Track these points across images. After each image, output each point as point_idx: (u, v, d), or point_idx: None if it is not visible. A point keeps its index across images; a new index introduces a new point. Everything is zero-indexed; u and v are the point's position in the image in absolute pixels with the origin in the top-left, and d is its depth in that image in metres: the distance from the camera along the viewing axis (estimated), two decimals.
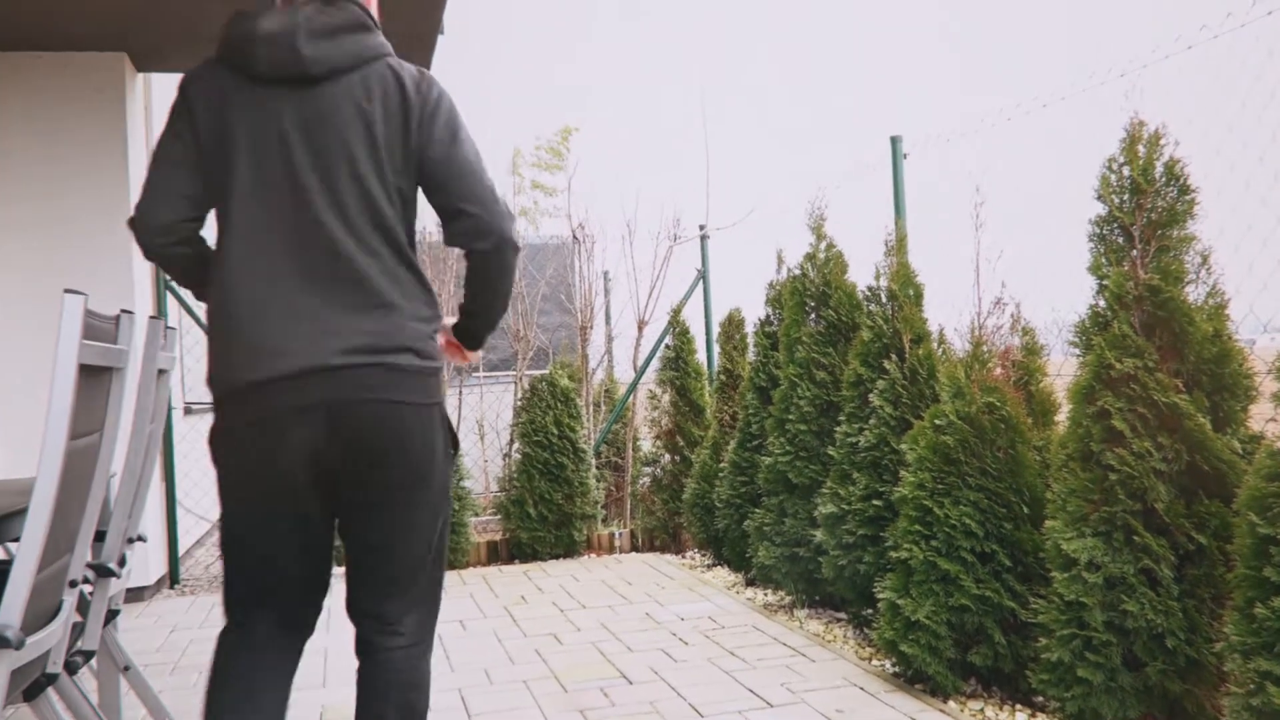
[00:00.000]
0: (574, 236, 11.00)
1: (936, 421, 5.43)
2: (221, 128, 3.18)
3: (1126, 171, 4.63)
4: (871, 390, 6.26)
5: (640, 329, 10.77)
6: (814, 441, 6.97)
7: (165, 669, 6.42)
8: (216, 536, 11.58)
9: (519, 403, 10.08)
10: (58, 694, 3.43)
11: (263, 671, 3.25)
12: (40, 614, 3.06)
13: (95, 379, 3.17)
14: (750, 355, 8.65)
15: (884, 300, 6.44)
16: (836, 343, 6.98)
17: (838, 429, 6.55)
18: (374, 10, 3.48)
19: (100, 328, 3.17)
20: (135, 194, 8.32)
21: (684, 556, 9.69)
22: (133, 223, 3.22)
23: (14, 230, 8.04)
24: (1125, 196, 4.63)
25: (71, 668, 3.51)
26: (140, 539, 4.55)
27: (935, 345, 6.24)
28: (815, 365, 6.98)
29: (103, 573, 3.82)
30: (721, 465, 8.56)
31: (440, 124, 3.28)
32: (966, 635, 5.21)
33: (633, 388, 10.61)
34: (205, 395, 11.55)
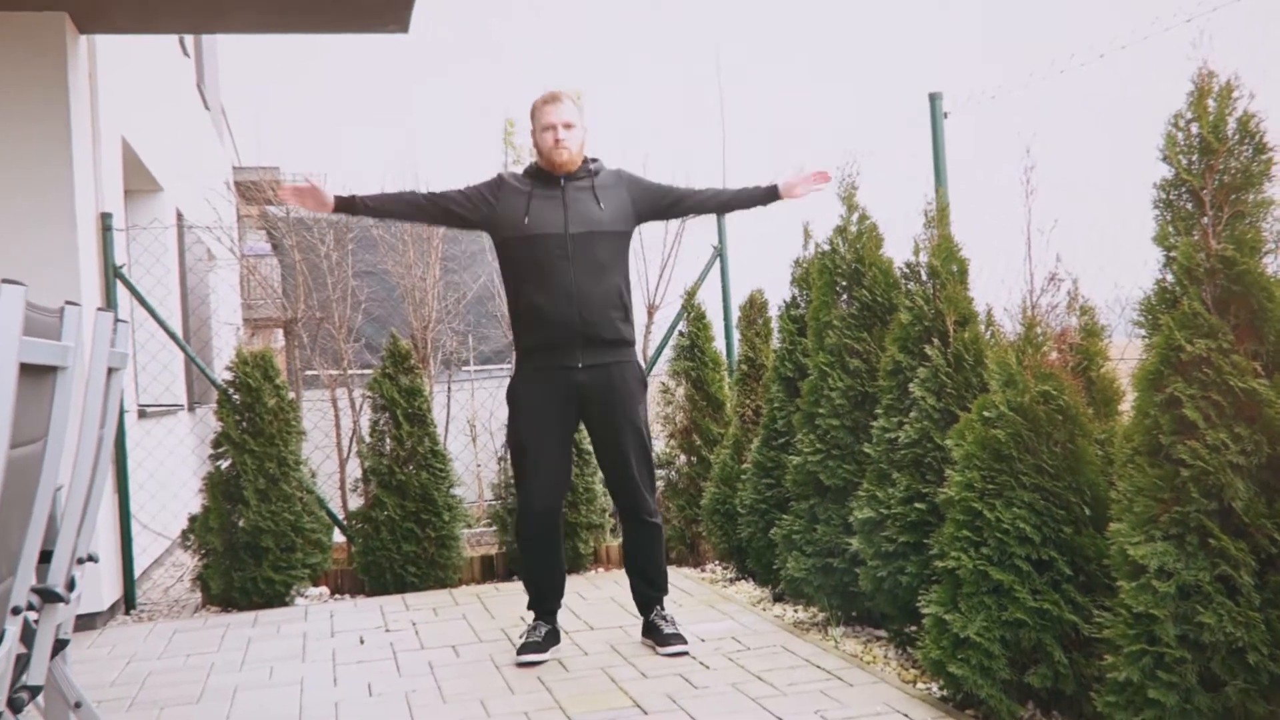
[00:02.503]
0: None
1: (985, 413, 5.43)
2: None
3: (1195, 129, 4.62)
4: (911, 379, 6.26)
5: (650, 314, 10.80)
6: (848, 438, 6.97)
7: (121, 705, 6.44)
8: (177, 556, 11.63)
9: None
10: None
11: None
12: None
13: (37, 380, 3.17)
14: (775, 342, 8.65)
15: (924, 278, 6.44)
16: (872, 326, 6.99)
17: (874, 423, 6.56)
18: None
19: (42, 322, 3.18)
20: (80, 171, 8.35)
21: (703, 570, 9.71)
22: None
23: None
24: (1194, 157, 4.61)
25: (16, 705, 3.52)
26: (91, 559, 4.56)
27: (983, 327, 6.23)
28: (848, 352, 6.99)
29: (49, 598, 3.82)
30: (744, 466, 8.57)
31: None
32: (1023, 653, 5.20)
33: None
34: (161, 396, 11.57)
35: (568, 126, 6.72)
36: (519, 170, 7.12)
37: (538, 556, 7.00)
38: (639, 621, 7.26)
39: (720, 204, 7.31)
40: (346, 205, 6.81)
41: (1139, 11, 5.70)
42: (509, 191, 6.81)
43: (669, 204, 7.03)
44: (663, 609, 7.13)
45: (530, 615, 7.10)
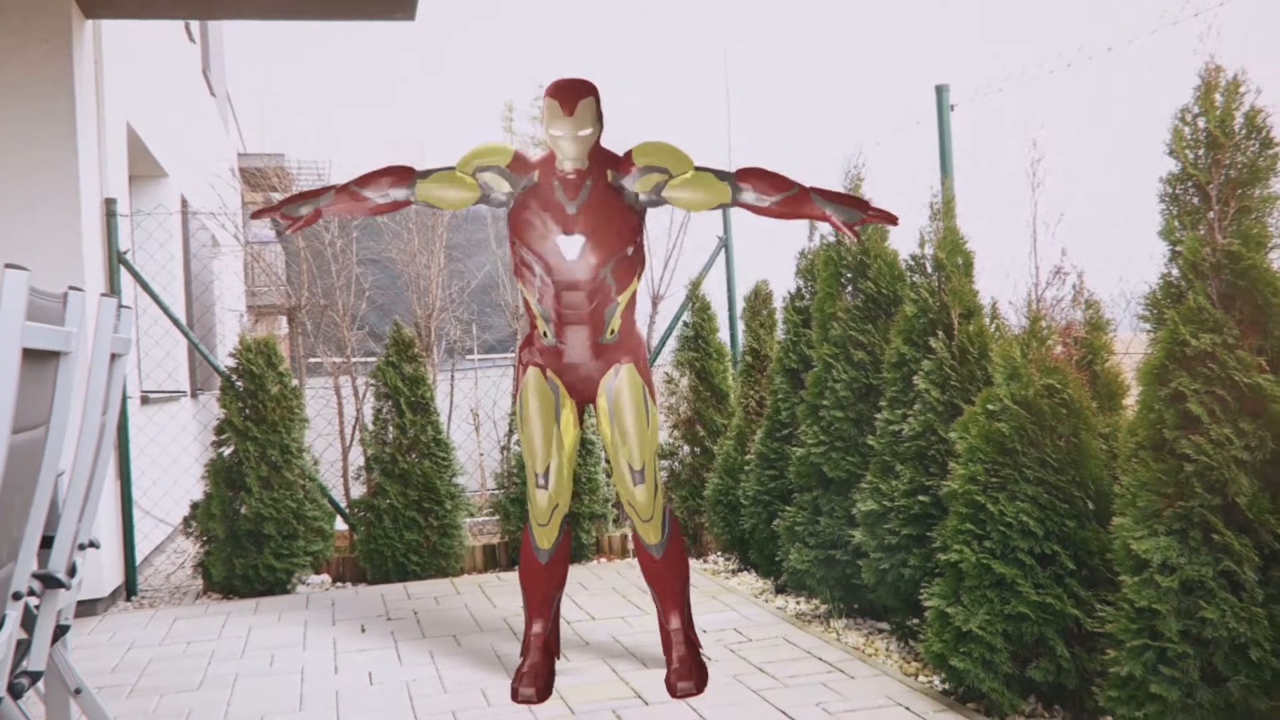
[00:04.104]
0: None
1: (989, 406, 5.43)
2: None
3: (1202, 123, 4.62)
4: (916, 372, 6.26)
5: (655, 304, 10.80)
6: (851, 430, 6.97)
7: (121, 691, 6.45)
8: (178, 543, 11.64)
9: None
10: None
11: None
12: None
13: (40, 365, 3.18)
14: (779, 333, 8.65)
15: (929, 270, 6.43)
16: (876, 318, 6.98)
17: (878, 416, 6.56)
18: None
19: (45, 307, 3.18)
20: (84, 156, 8.36)
21: (705, 560, 9.72)
22: None
23: None
24: (1200, 151, 4.61)
25: (16, 690, 3.52)
26: (92, 545, 4.57)
27: (987, 320, 6.23)
28: (852, 344, 6.98)
29: (50, 583, 3.83)
30: (747, 457, 8.57)
31: None
32: (1025, 647, 5.21)
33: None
34: (164, 383, 11.57)
35: (578, 137, 6.16)
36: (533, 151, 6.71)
37: None
38: (640, 612, 7.27)
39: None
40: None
41: (1147, 6, 5.70)
42: (525, 180, 6.39)
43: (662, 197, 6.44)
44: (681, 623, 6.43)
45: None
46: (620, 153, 6.36)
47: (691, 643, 6.30)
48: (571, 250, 6.30)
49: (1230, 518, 4.38)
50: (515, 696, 6.01)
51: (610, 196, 6.31)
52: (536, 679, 6.11)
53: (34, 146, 8.23)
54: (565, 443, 6.39)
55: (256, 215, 6.74)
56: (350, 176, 6.51)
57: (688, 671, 6.10)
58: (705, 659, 6.42)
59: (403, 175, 6.49)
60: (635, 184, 6.29)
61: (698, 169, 6.32)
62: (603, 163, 6.33)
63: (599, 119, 6.23)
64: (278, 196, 11.98)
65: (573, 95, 6.17)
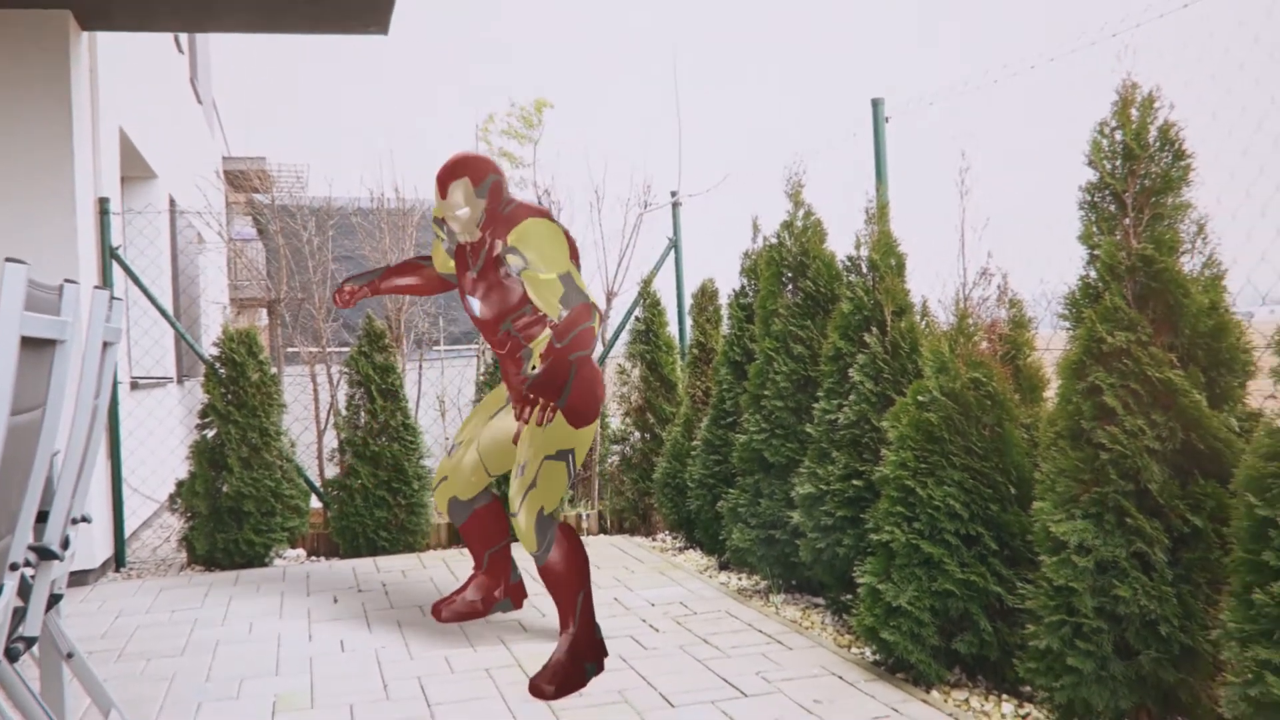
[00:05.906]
0: (538, 202, 10.94)
1: (919, 398, 5.43)
2: None
3: (1119, 136, 4.62)
4: (851, 365, 6.25)
5: (609, 300, 10.76)
6: (791, 418, 6.96)
7: (110, 656, 6.39)
8: (164, 519, 11.56)
9: (481, 378, 10.06)
10: None
11: None
12: None
13: (37, 352, 3.14)
14: (724, 328, 8.63)
15: (865, 270, 6.43)
16: (815, 315, 6.97)
17: (816, 405, 6.55)
18: None
19: (43, 298, 3.14)
20: (80, 158, 8.28)
21: (654, 539, 9.69)
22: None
23: None
24: (1117, 162, 4.62)
25: (12, 655, 3.48)
26: (84, 520, 4.52)
27: (918, 318, 6.23)
28: (792, 338, 6.97)
29: (45, 555, 3.78)
30: (694, 443, 8.55)
31: None
32: (950, 622, 5.21)
33: (600, 362, 10.57)
34: (153, 369, 11.49)
35: (455, 217, 6.21)
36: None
37: None
38: (594, 586, 7.23)
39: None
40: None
41: (1069, 27, 5.73)
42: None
43: None
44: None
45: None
46: (523, 217, 6.01)
47: (573, 652, 5.73)
48: (476, 308, 6.39)
49: (1142, 503, 4.39)
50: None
51: (494, 267, 6.19)
52: (447, 602, 6.98)
53: (33, 149, 8.16)
54: (484, 438, 6.63)
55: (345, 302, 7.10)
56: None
57: (550, 676, 5.55)
58: (652, 629, 6.40)
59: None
60: (507, 258, 5.99)
61: (563, 275, 5.76)
62: (495, 232, 6.15)
63: (481, 195, 6.16)
64: (259, 197, 11.91)
65: (444, 178, 6.23)
